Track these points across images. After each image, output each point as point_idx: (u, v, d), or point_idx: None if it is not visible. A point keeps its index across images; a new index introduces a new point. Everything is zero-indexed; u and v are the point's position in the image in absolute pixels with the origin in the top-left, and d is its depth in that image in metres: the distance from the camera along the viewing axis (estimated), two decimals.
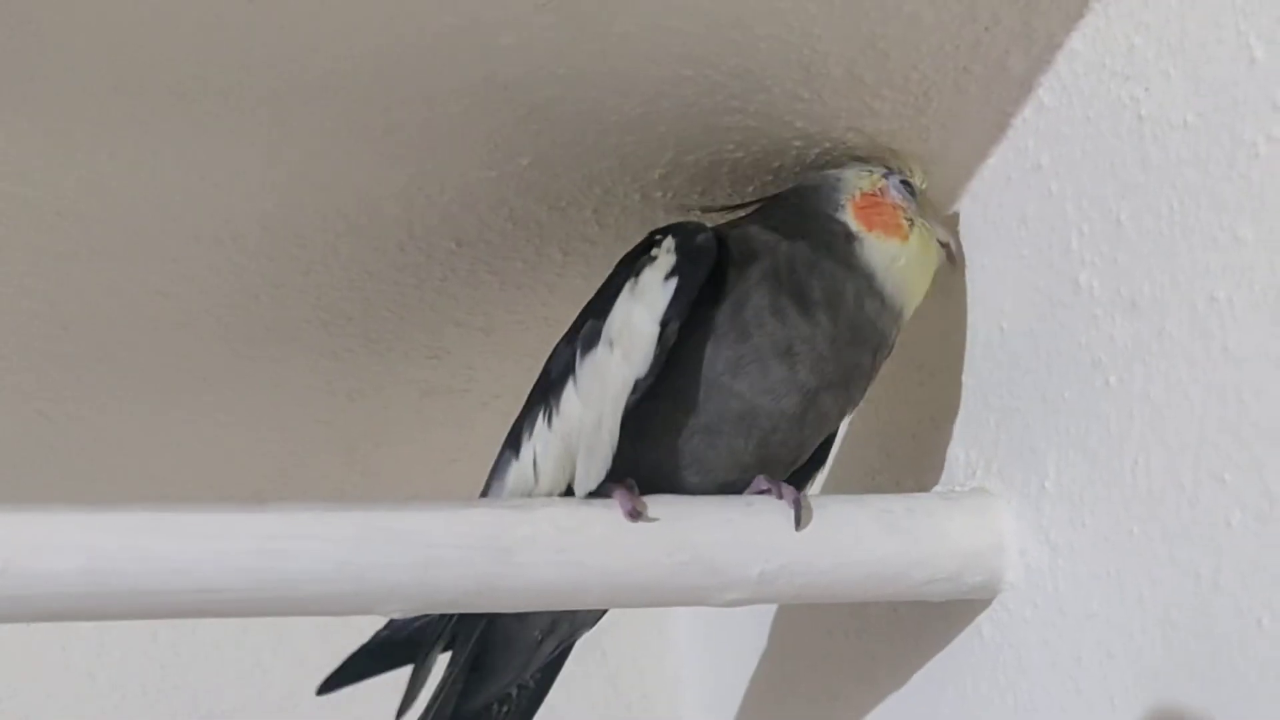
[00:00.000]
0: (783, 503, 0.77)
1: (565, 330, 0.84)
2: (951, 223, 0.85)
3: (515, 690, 0.91)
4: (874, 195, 0.81)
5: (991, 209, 0.82)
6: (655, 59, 0.75)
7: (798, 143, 0.83)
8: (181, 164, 0.81)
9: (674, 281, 0.75)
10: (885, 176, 0.81)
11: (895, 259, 0.79)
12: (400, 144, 0.80)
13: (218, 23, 0.70)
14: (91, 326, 0.96)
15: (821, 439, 0.82)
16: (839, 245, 0.79)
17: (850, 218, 0.80)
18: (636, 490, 0.75)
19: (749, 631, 1.19)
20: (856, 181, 0.81)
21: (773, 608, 1.14)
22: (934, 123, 0.81)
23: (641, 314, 0.75)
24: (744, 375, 0.77)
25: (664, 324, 0.75)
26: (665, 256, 0.77)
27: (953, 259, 0.82)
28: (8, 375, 1.00)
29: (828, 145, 0.84)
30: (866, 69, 0.77)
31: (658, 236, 0.78)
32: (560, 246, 0.91)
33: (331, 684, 0.92)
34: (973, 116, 0.80)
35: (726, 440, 0.77)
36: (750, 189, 0.87)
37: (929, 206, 0.83)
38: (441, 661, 0.88)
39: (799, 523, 0.76)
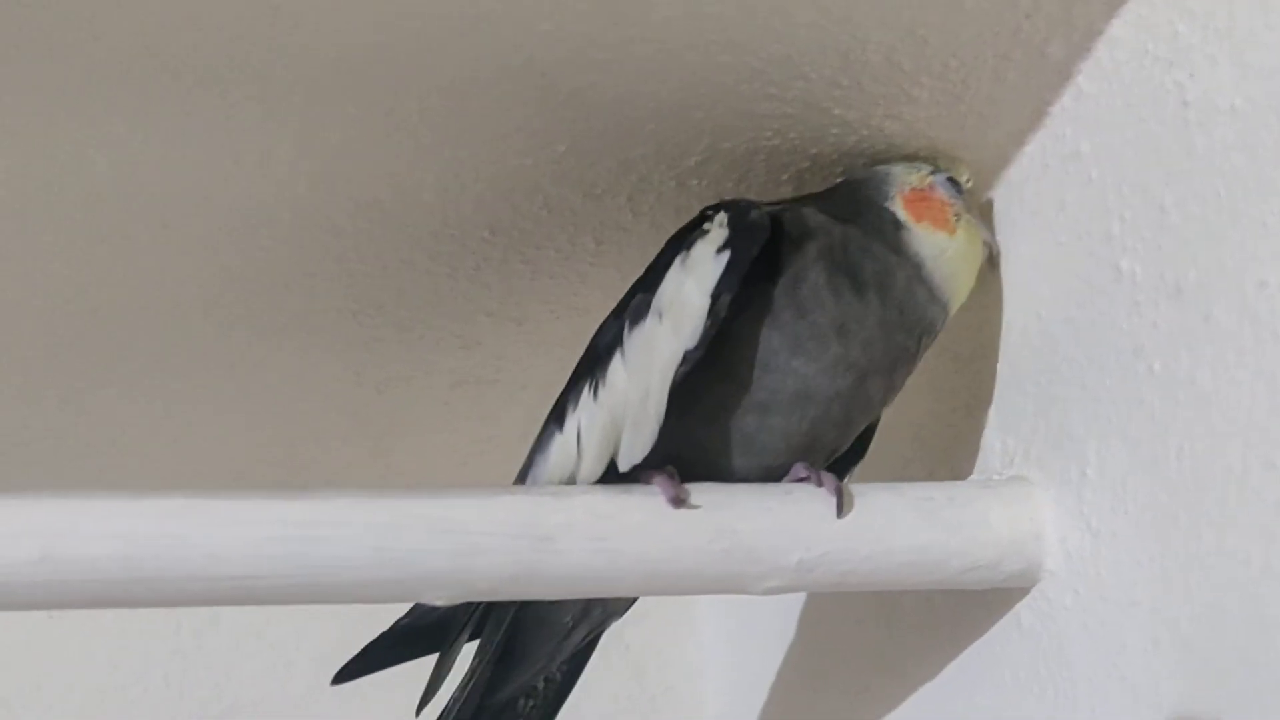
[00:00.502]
0: (823, 490, 0.76)
1: (600, 319, 0.84)
2: (987, 219, 0.85)
3: (542, 683, 0.91)
4: (922, 190, 0.81)
5: (1028, 197, 0.82)
6: (694, 45, 0.75)
7: (835, 130, 0.83)
8: (214, 148, 0.81)
9: (726, 255, 0.75)
10: (933, 174, 0.82)
11: (943, 250, 0.80)
12: (436, 130, 0.80)
13: (253, 4, 0.70)
14: (118, 314, 0.96)
15: (864, 425, 0.82)
16: (889, 232, 0.80)
17: (899, 208, 0.81)
18: (677, 477, 0.75)
19: (774, 623, 1.18)
20: (905, 176, 0.82)
21: (800, 598, 1.14)
22: (971, 110, 0.81)
23: (692, 286, 0.75)
24: (802, 352, 0.77)
25: (715, 297, 0.75)
26: (718, 230, 0.77)
27: (993, 260, 0.83)
28: (32, 363, 1.00)
29: (865, 133, 0.83)
30: (905, 56, 0.76)
31: (709, 212, 0.78)
32: (594, 235, 0.90)
33: (348, 673, 0.91)
34: (1010, 104, 0.80)
35: (780, 420, 0.77)
36: (785, 177, 0.86)
37: (974, 204, 0.84)
38: (467, 651, 0.87)
39: (840, 510, 0.76)
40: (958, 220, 0.81)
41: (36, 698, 1.29)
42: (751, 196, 0.85)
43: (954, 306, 0.81)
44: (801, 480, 0.78)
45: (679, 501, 0.74)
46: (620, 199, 0.87)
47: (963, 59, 0.77)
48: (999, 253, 0.83)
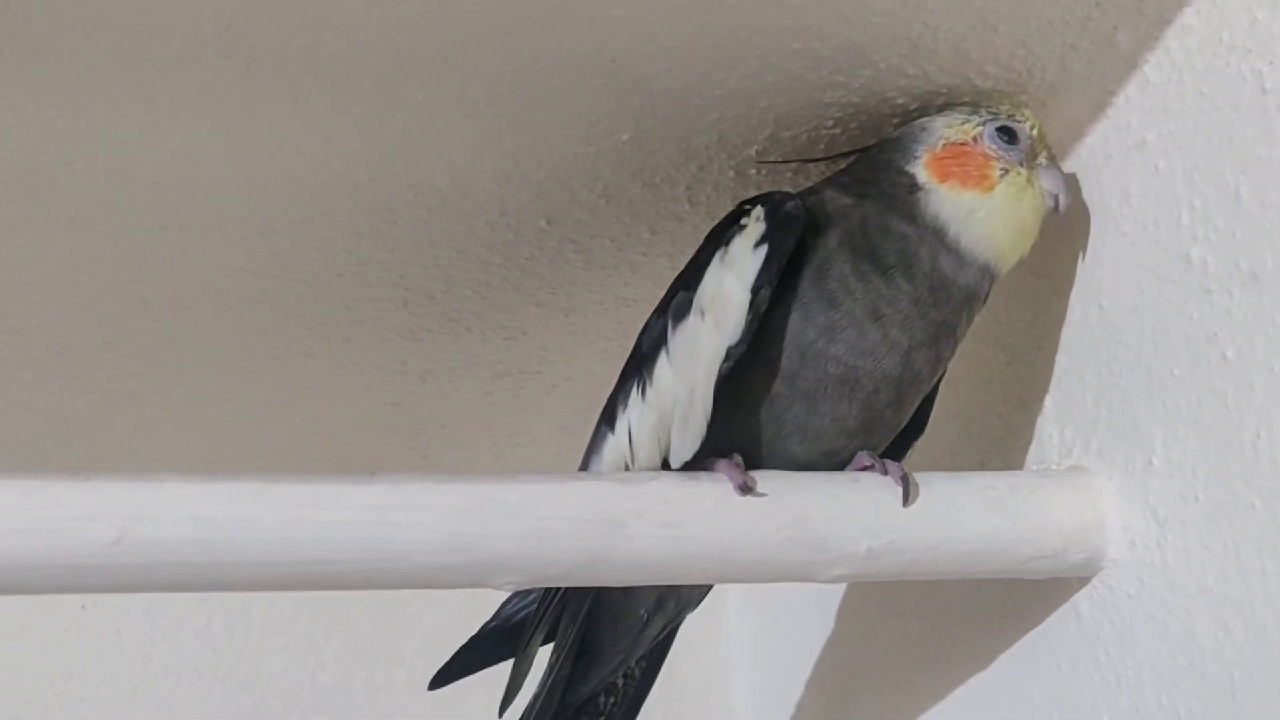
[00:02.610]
0: (889, 479, 0.76)
1: (647, 311, 0.84)
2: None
3: (621, 679, 0.91)
4: (962, 145, 0.79)
5: (1090, 187, 0.82)
6: (764, 31, 0.75)
7: (895, 120, 0.83)
8: (279, 136, 0.81)
9: (764, 249, 0.75)
10: (982, 124, 0.79)
11: (971, 211, 0.78)
12: (502, 118, 0.80)
13: None
14: (170, 303, 0.96)
15: (919, 400, 0.82)
16: (904, 198, 0.78)
17: (921, 168, 0.79)
18: (742, 465, 0.75)
19: (806, 616, 1.18)
20: (945, 131, 0.79)
21: (834, 591, 1.14)
22: (1034, 99, 0.81)
23: (732, 282, 0.75)
24: (840, 340, 0.76)
25: (755, 291, 0.75)
26: (755, 225, 0.77)
27: (1060, 209, 0.79)
28: (83, 351, 1.00)
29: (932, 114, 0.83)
30: (974, 45, 0.77)
31: (746, 206, 0.78)
32: (649, 225, 0.90)
33: (442, 679, 0.92)
34: (1074, 93, 0.80)
35: (830, 405, 0.77)
36: (843, 166, 0.86)
37: (1043, 150, 0.80)
38: (544, 654, 0.87)
39: (907, 499, 0.76)
40: (1003, 175, 0.78)
41: (69, 690, 1.29)
42: (810, 186, 0.86)
43: (999, 265, 0.78)
44: (866, 469, 0.78)
45: (745, 489, 0.74)
46: (679, 189, 0.87)
47: (1030, 48, 0.77)
48: (1067, 203, 0.79)
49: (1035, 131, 0.80)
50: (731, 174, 0.86)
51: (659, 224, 0.90)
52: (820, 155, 0.85)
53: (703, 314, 0.77)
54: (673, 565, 0.74)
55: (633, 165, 0.85)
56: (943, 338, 0.79)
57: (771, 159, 0.85)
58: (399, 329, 1.00)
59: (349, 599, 1.33)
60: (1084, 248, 0.83)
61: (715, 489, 0.75)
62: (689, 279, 0.79)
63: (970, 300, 0.79)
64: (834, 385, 0.77)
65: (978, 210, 0.78)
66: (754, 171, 0.86)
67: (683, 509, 0.74)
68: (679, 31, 0.74)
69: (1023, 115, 0.80)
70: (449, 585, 0.73)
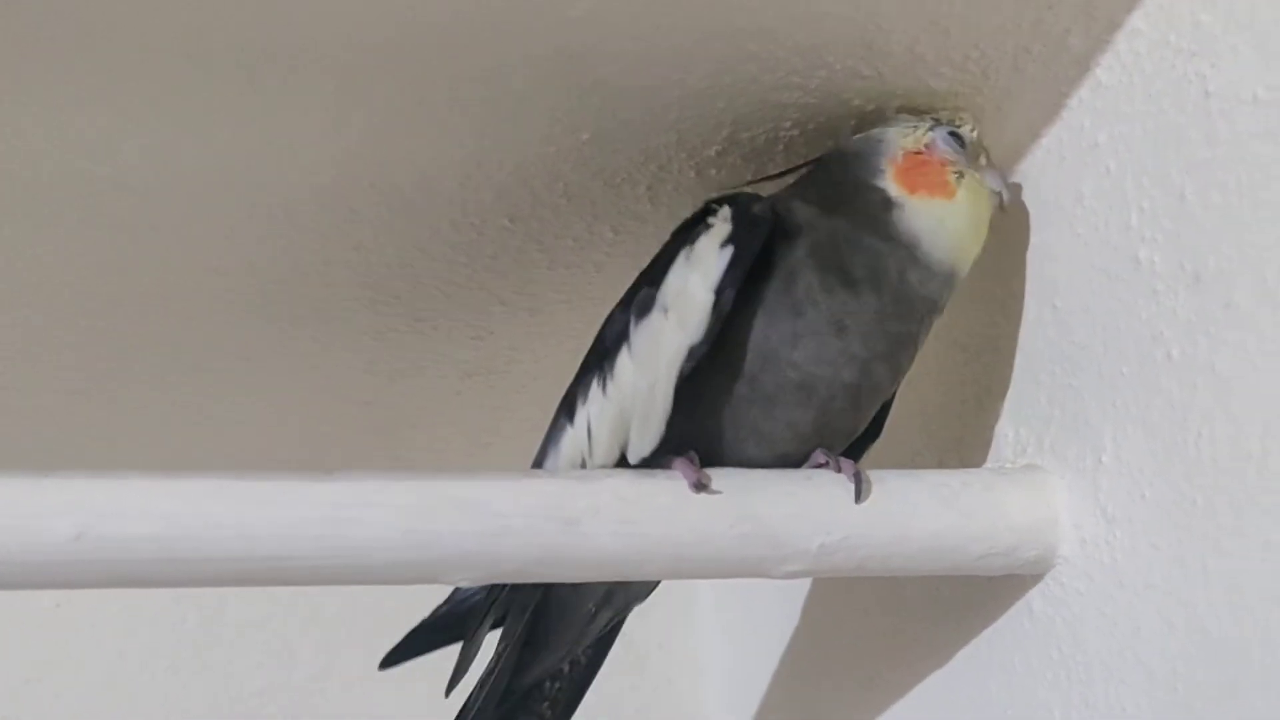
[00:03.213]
0: (842, 476, 0.77)
1: (613, 306, 0.85)
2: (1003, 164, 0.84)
3: (567, 666, 0.92)
4: (918, 154, 0.80)
5: (1044, 188, 0.83)
6: (722, 33, 0.75)
7: (853, 121, 0.84)
8: (243, 136, 0.81)
9: (729, 250, 0.76)
10: (931, 129, 0.80)
11: (942, 220, 0.78)
12: (463, 118, 0.80)
13: None
14: (139, 303, 0.97)
15: (877, 408, 0.83)
16: (878, 215, 0.79)
17: (890, 182, 0.79)
18: (698, 462, 0.76)
19: (776, 615, 1.19)
20: (900, 140, 0.80)
21: (803, 590, 1.15)
22: (989, 102, 0.82)
23: (697, 281, 0.76)
24: (801, 347, 0.77)
25: (719, 292, 0.75)
26: (721, 225, 0.77)
27: (1003, 206, 0.81)
28: (54, 351, 1.01)
29: (882, 124, 0.84)
30: (928, 47, 0.78)
31: (713, 205, 0.79)
32: (611, 224, 0.91)
33: (392, 659, 0.93)
34: (1028, 95, 0.81)
35: (786, 411, 0.78)
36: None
37: (981, 153, 0.82)
38: (493, 638, 0.88)
39: (859, 496, 0.77)
40: (959, 179, 0.79)
41: (43, 686, 1.29)
42: (775, 192, 0.86)
43: (961, 272, 0.80)
44: (820, 466, 0.79)
45: (700, 486, 0.75)
46: (640, 188, 0.88)
47: (983, 50, 0.78)
48: (1010, 199, 0.81)
49: (975, 134, 0.82)
50: (692, 174, 0.87)
51: (621, 223, 0.91)
52: (772, 174, 0.86)
53: (666, 311, 0.77)
54: (627, 562, 0.75)
55: (594, 165, 0.86)
56: (903, 348, 0.80)
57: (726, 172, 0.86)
58: (366, 329, 1.01)
59: (324, 596, 1.34)
60: (1039, 249, 0.84)
61: (670, 486, 0.76)
62: (654, 275, 0.80)
63: (931, 311, 0.80)
64: (792, 391, 0.78)
65: (946, 219, 0.79)
66: (714, 171, 0.87)
67: (637, 506, 0.75)
68: (637, 32, 0.75)
69: (961, 119, 0.82)
70: (405, 581, 0.74)
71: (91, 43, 0.73)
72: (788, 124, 0.84)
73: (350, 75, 0.76)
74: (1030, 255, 0.84)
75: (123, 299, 0.96)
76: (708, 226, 0.78)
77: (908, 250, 0.78)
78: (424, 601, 0.93)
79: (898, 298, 0.78)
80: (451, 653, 0.91)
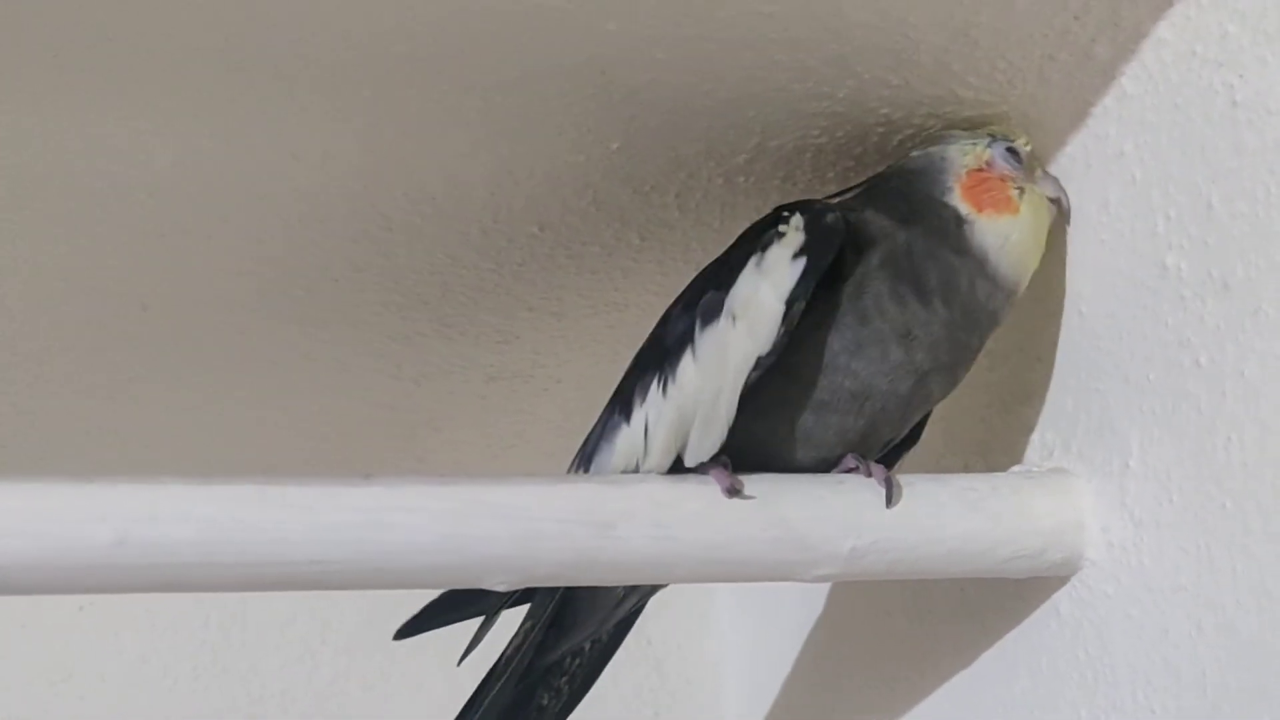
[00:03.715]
0: (872, 480, 0.78)
1: (638, 316, 0.85)
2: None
3: (589, 644, 0.92)
4: (980, 171, 0.80)
5: (1071, 196, 0.83)
6: (751, 44, 0.76)
7: (880, 129, 0.85)
8: (278, 143, 0.82)
9: (802, 261, 0.76)
10: (989, 145, 0.81)
11: (1008, 237, 0.79)
12: (495, 126, 0.81)
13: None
14: (169, 307, 0.98)
15: (920, 416, 0.84)
16: (951, 231, 0.79)
17: (959, 201, 0.80)
18: (730, 467, 0.77)
19: (795, 617, 1.20)
20: (961, 159, 0.81)
21: (822, 593, 1.15)
22: (1014, 110, 0.83)
23: (768, 291, 0.76)
24: (862, 356, 0.78)
25: (789, 303, 0.75)
26: (794, 234, 0.77)
27: (1065, 214, 0.82)
28: (83, 355, 1.02)
29: (909, 133, 0.85)
30: (956, 57, 0.78)
31: (785, 213, 0.78)
32: (639, 231, 0.92)
33: (408, 630, 0.94)
34: (1054, 105, 0.82)
35: (837, 418, 0.79)
36: (830, 175, 0.88)
37: (1037, 164, 0.82)
38: (518, 614, 0.89)
39: (890, 501, 0.77)
40: (1021, 195, 0.80)
41: (67, 689, 1.30)
42: (797, 195, 0.87)
43: (1023, 285, 0.81)
44: (851, 471, 0.79)
45: (733, 492, 0.75)
46: (668, 196, 0.89)
47: (1010, 60, 0.79)
48: (1069, 207, 0.82)
49: (1029, 147, 0.82)
50: (720, 181, 0.88)
51: (648, 230, 0.92)
52: (836, 191, 0.86)
53: (734, 319, 0.77)
54: (660, 566, 0.76)
55: (623, 173, 0.86)
56: (963, 362, 0.81)
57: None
58: (394, 333, 1.02)
59: (344, 600, 1.35)
60: (1066, 255, 0.84)
61: (702, 491, 0.76)
62: (720, 279, 0.79)
63: (994, 324, 0.81)
64: (846, 399, 0.79)
65: (1012, 235, 0.79)
66: (742, 179, 0.88)
67: (671, 510, 0.75)
68: (669, 44, 0.76)
69: (1014, 133, 0.82)
70: (442, 585, 0.75)
71: (126, 52, 0.74)
72: (816, 132, 0.84)
73: (383, 85, 0.77)
74: (1058, 262, 0.85)
75: (152, 302, 0.96)
76: (779, 235, 0.77)
77: (978, 265, 0.79)
78: None
79: (966, 309, 0.79)
80: (463, 635, 0.92)
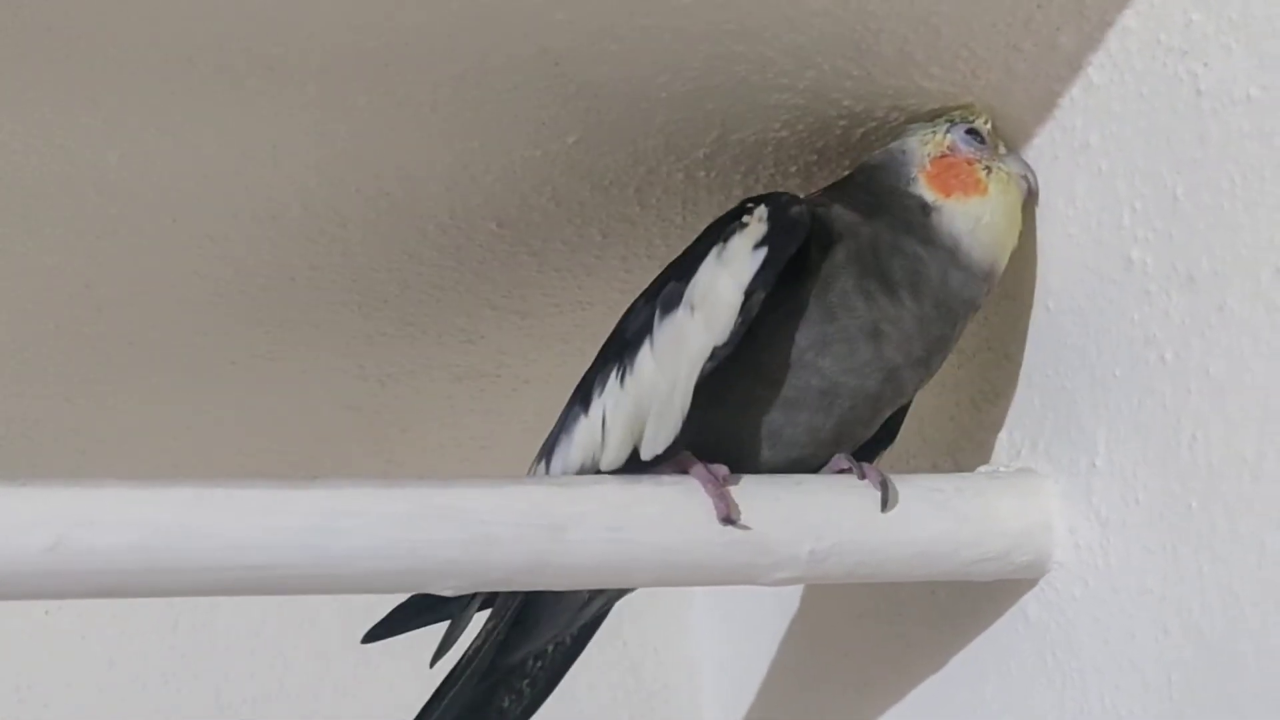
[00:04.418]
0: (841, 479, 0.77)
1: (603, 314, 0.84)
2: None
3: (551, 646, 0.91)
4: (944, 157, 0.79)
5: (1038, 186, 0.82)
6: (708, 35, 0.75)
7: (843, 122, 0.83)
8: (226, 140, 0.81)
9: (763, 251, 0.75)
10: (949, 131, 0.80)
11: (979, 218, 0.78)
12: (448, 121, 0.80)
13: None
14: (125, 308, 0.96)
15: (893, 412, 0.82)
16: (917, 220, 0.78)
17: (924, 189, 0.79)
18: (728, 474, 0.75)
19: (772, 620, 1.19)
20: (923, 149, 0.80)
21: (798, 595, 1.14)
22: (979, 102, 0.81)
23: (727, 281, 0.75)
24: (829, 354, 0.76)
25: (749, 293, 0.74)
26: (756, 225, 0.76)
27: (1034, 193, 0.81)
28: (39, 357, 1.00)
29: (872, 125, 0.84)
30: (917, 46, 0.77)
31: (750, 205, 0.77)
32: (600, 228, 0.91)
33: (375, 634, 0.93)
34: (1019, 96, 0.80)
35: (806, 416, 0.77)
36: (793, 169, 0.87)
37: (999, 142, 0.81)
38: (480, 618, 0.88)
39: (886, 504, 0.76)
40: (988, 174, 0.79)
41: (33, 694, 1.29)
42: (759, 190, 0.86)
43: (1001, 267, 0.79)
44: (843, 472, 0.78)
45: (729, 521, 0.74)
46: (628, 191, 0.87)
47: (973, 50, 0.77)
48: (1036, 184, 0.81)
49: (989, 125, 0.81)
50: (681, 176, 0.87)
51: (610, 226, 0.91)
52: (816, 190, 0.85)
53: (692, 309, 0.76)
54: (615, 569, 0.74)
55: (582, 168, 0.85)
56: (938, 351, 0.79)
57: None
58: (355, 333, 1.00)
59: (316, 603, 1.33)
60: (1033, 249, 0.83)
61: (658, 492, 0.75)
62: (682, 270, 0.78)
63: (970, 310, 0.79)
64: (815, 397, 0.77)
65: (984, 215, 0.78)
66: (703, 174, 0.87)
67: (625, 512, 0.74)
68: (622, 34, 0.74)
69: (973, 113, 0.81)
70: (391, 590, 0.74)
71: (74, 49, 0.72)
72: (777, 125, 0.83)
73: (333, 80, 0.76)
74: (1025, 256, 0.83)
75: (106, 304, 0.95)
76: (742, 225, 0.76)
77: (949, 253, 0.78)
78: None
79: (939, 301, 0.78)
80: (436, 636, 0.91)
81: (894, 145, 0.81)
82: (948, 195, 0.79)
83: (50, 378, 1.03)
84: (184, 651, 1.32)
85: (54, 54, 0.72)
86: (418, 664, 0.94)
